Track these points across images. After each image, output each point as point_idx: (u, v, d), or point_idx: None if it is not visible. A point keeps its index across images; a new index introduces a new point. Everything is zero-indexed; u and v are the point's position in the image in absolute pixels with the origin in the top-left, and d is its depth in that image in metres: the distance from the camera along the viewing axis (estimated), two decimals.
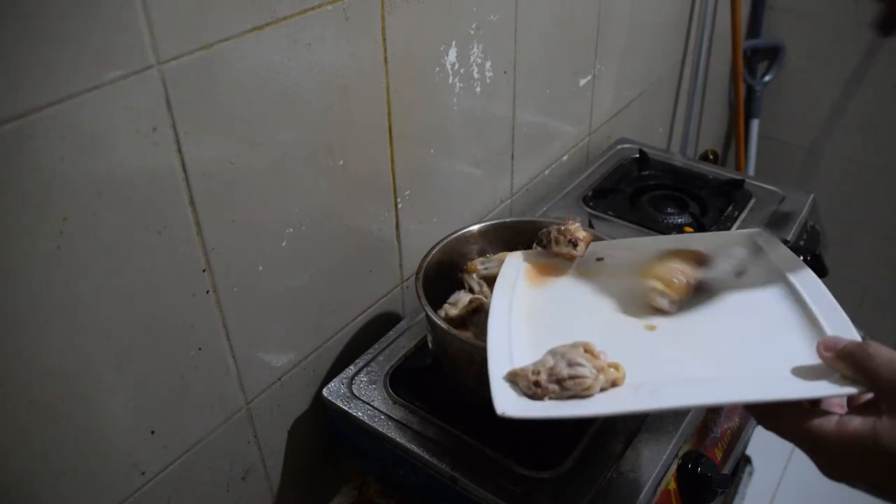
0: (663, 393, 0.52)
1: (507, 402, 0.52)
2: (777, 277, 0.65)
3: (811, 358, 0.53)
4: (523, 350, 0.59)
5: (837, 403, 0.51)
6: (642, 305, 0.64)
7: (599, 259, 0.73)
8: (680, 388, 0.53)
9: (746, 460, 1.58)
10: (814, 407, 0.50)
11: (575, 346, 0.56)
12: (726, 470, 0.85)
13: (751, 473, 1.59)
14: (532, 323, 0.63)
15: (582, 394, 0.53)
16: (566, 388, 0.53)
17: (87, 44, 0.49)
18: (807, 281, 0.63)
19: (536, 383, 0.53)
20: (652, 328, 0.62)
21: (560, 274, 0.71)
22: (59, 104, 0.49)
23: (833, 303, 0.59)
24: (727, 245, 0.71)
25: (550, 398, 0.53)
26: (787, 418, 0.51)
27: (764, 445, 1.56)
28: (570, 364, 0.54)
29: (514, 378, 0.55)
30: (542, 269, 0.72)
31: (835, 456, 0.48)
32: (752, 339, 0.59)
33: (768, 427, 0.53)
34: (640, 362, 0.56)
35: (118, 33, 0.51)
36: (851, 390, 0.49)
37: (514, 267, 0.72)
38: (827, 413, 0.49)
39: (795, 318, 0.59)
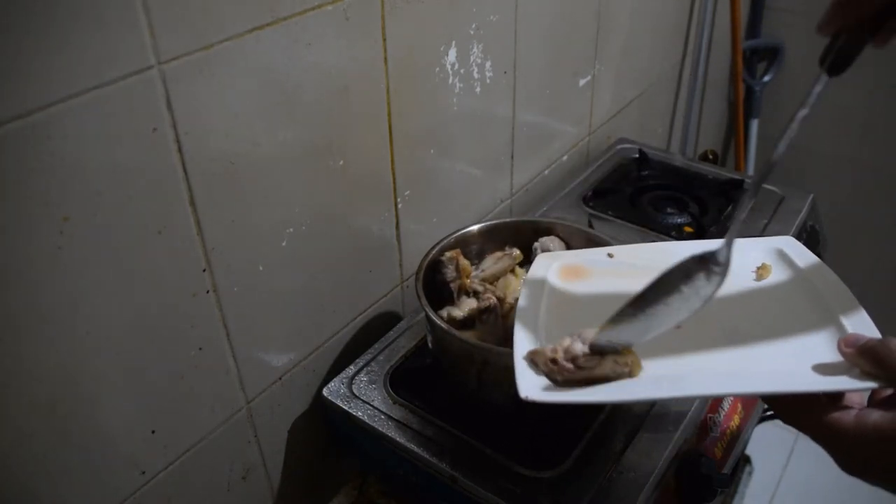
0: (684, 382, 0.54)
1: (530, 387, 0.53)
2: (798, 276, 0.66)
3: (832, 355, 0.54)
4: (549, 340, 0.59)
5: (857, 400, 0.52)
6: None
7: (610, 256, 0.74)
8: (701, 378, 0.54)
9: (746, 460, 1.58)
10: (834, 401, 0.51)
11: (594, 328, 0.57)
12: (726, 469, 0.85)
13: (750, 473, 1.59)
14: (559, 317, 0.64)
15: (595, 374, 0.53)
16: (580, 366, 0.54)
17: (88, 44, 0.49)
18: (827, 280, 0.63)
19: (553, 360, 0.54)
20: (677, 326, 0.62)
21: (588, 275, 0.72)
22: (59, 104, 0.49)
23: (854, 302, 0.59)
24: (749, 251, 0.71)
25: (565, 376, 0.54)
26: (806, 412, 0.52)
27: (764, 445, 1.57)
28: (586, 343, 0.55)
29: (534, 357, 0.56)
30: (570, 269, 0.73)
31: (853, 449, 0.49)
32: (774, 338, 0.59)
33: (788, 421, 0.53)
34: (664, 356, 0.57)
35: (119, 33, 0.51)
36: (872, 385, 0.49)
37: (543, 266, 0.73)
38: (846, 407, 0.50)
39: (817, 316, 0.60)
